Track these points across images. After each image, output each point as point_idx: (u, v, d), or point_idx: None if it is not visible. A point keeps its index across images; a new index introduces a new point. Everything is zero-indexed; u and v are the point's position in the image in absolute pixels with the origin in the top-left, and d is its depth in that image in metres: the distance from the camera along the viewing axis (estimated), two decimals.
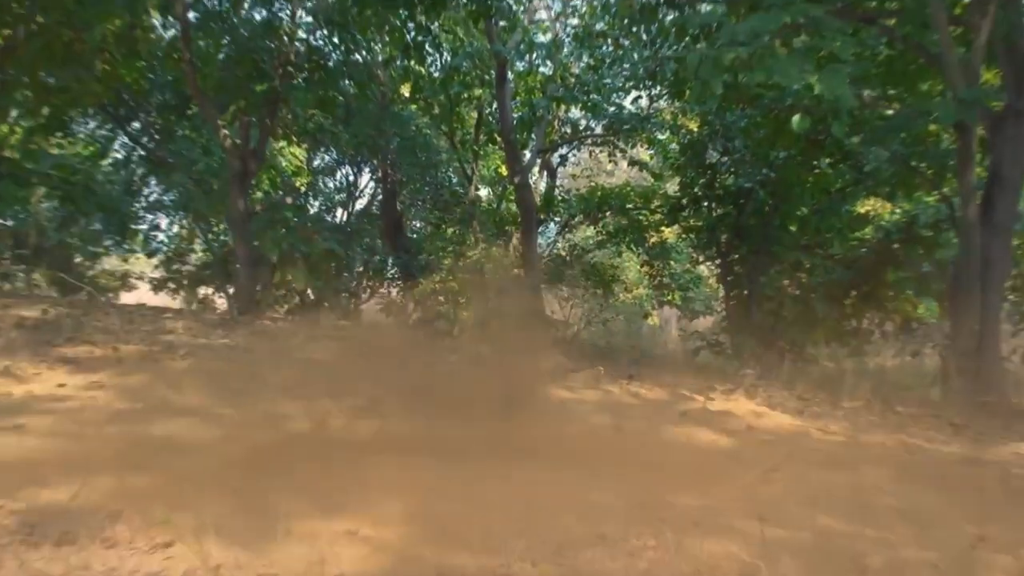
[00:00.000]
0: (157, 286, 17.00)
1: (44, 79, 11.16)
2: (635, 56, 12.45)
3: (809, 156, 11.10)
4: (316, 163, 17.47)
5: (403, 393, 5.03)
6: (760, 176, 11.41)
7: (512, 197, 14.28)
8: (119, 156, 16.02)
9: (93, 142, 15.47)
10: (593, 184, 15.55)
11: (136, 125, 14.91)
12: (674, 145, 13.59)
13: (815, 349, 12.15)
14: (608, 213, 14.42)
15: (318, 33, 12.36)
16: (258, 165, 12.05)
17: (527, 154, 14.09)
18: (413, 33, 11.95)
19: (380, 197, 16.71)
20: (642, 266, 15.59)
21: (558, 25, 14.90)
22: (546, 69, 14.43)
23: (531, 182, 14.35)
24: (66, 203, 14.39)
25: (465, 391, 5.01)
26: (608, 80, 13.00)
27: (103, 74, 11.49)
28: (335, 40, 12.20)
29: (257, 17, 11.91)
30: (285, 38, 11.71)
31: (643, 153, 15.57)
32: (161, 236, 17.09)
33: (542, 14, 15.15)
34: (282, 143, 14.63)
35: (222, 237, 16.42)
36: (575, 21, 14.52)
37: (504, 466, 3.95)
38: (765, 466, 4.21)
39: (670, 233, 15.06)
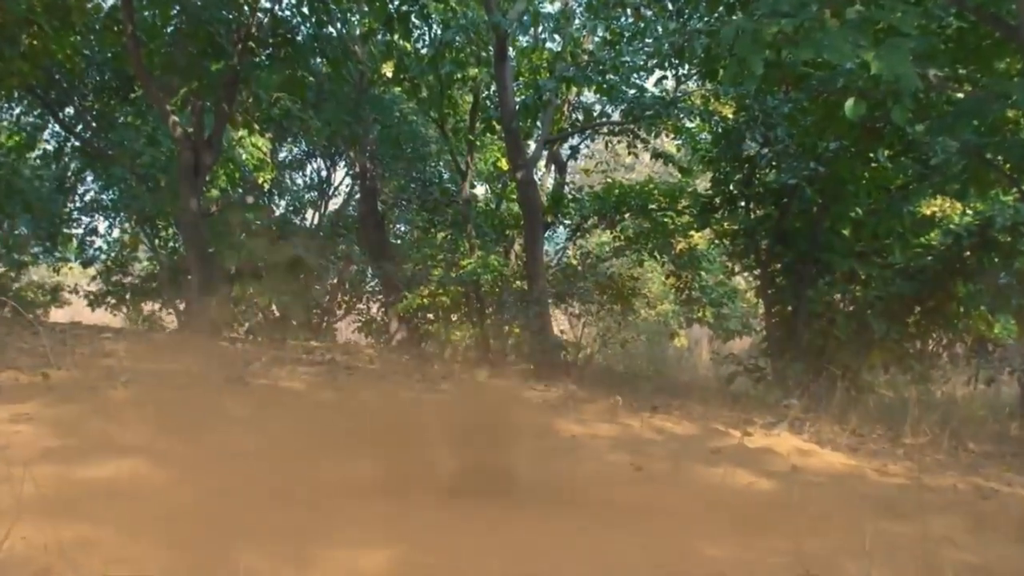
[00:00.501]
0: (94, 301, 17.04)
1: None
2: (659, 29, 12.49)
3: (865, 147, 11.11)
4: (282, 155, 17.60)
5: (384, 426, 5.04)
6: (807, 171, 11.41)
7: (514, 196, 14.31)
8: (49, 147, 16.12)
9: (18, 131, 15.53)
10: (609, 180, 15.55)
11: (70, 111, 14.96)
12: (705, 135, 13.61)
13: (872, 375, 12.14)
14: (627, 215, 14.44)
15: (284, 2, 12.43)
16: (213, 158, 12.09)
17: (531, 145, 14.13)
18: (397, 2, 12.00)
19: (358, 196, 16.77)
20: (667, 277, 15.61)
21: None
22: (554, 44, 14.49)
23: (536, 178, 14.37)
24: None
25: (457, 424, 5.02)
26: (627, 58, 13.03)
27: (30, 50, 11.51)
28: (305, 10, 12.25)
29: None
30: (245, 8, 11.75)
31: (668, 144, 15.61)
32: (99, 242, 17.19)
33: None
34: (242, 132, 14.66)
35: (171, 243, 16.48)
36: None
37: (503, 512, 3.96)
38: (813, 513, 4.22)
39: (700, 238, 15.08)
